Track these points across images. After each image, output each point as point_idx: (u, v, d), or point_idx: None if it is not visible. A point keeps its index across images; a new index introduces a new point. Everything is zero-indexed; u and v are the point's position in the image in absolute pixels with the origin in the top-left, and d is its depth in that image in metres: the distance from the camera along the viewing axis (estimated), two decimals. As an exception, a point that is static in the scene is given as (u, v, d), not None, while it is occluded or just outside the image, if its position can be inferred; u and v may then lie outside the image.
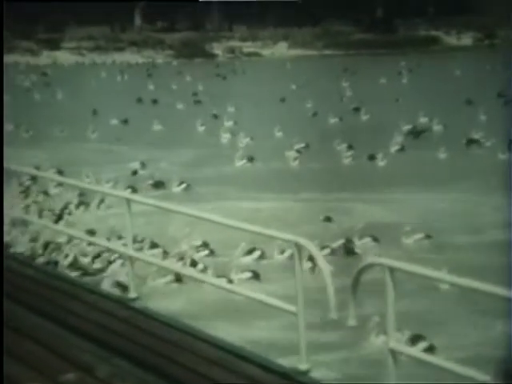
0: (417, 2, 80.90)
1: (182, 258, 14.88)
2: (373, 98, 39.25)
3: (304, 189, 21.43)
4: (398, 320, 5.19)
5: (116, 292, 10.80)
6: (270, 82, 52.46)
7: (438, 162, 25.01)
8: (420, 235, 16.45)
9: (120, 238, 13.82)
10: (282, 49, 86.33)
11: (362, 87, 44.60)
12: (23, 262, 9.09)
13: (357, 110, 36.60)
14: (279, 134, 30.56)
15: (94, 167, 23.22)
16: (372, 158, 25.39)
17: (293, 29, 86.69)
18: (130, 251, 7.95)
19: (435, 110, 32.89)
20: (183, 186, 22.02)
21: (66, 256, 14.40)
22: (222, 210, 17.66)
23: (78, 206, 18.89)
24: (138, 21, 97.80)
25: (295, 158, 25.82)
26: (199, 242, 15.79)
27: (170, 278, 13.76)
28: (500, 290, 4.51)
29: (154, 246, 15.41)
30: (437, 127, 31.21)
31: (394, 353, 5.18)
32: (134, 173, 23.77)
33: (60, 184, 19.40)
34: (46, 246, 15.07)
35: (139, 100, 43.73)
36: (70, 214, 18.43)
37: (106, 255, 14.71)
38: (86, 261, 14.78)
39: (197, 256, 15.16)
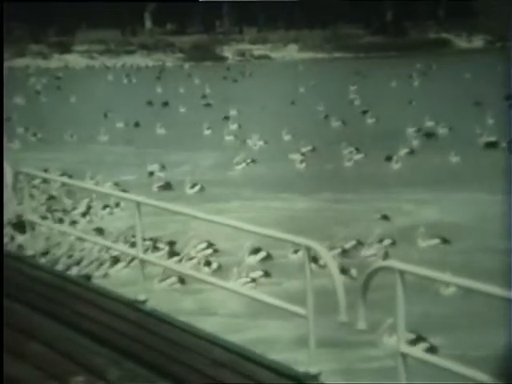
0: (427, 4, 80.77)
1: (190, 259, 14.91)
2: (383, 100, 39.21)
3: (319, 190, 21.42)
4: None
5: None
6: (280, 84, 52.49)
7: (451, 164, 24.95)
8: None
9: (127, 241, 13.83)
10: (292, 51, 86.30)
11: (372, 90, 44.57)
12: (32, 264, 9.10)
13: (365, 112, 36.58)
14: (287, 137, 30.52)
15: (106, 169, 23.26)
16: (388, 159, 25.33)
17: (303, 31, 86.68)
18: (140, 254, 7.95)
19: (446, 113, 32.84)
20: (197, 187, 22.05)
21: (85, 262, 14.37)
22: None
23: (86, 211, 18.89)
24: (148, 24, 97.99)
25: (301, 161, 25.83)
26: (207, 245, 15.80)
27: (174, 279, 13.77)
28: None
29: (172, 253, 15.41)
30: (443, 130, 31.14)
31: (404, 356, 5.16)
32: (151, 174, 23.72)
33: (64, 185, 19.45)
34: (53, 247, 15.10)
35: (149, 103, 43.82)
36: (84, 216, 18.47)
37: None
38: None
39: (209, 258, 15.14)
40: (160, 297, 12.26)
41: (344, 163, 25.94)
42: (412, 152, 27.17)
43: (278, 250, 15.34)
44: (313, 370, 5.89)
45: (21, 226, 15.42)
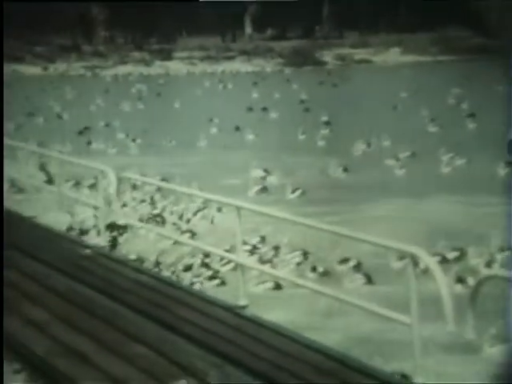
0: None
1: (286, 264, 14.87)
2: (490, 105, 38.32)
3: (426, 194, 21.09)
4: None
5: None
6: (382, 89, 52.01)
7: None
8: None
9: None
10: (394, 55, 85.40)
11: (478, 94, 43.65)
12: (134, 268, 9.23)
13: (469, 116, 35.85)
14: (387, 143, 30.13)
15: (206, 177, 23.41)
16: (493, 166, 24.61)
17: (406, 34, 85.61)
18: (241, 259, 7.96)
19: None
20: (298, 192, 22.03)
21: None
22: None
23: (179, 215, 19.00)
24: (248, 30, 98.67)
25: (401, 167, 25.46)
26: (303, 252, 15.71)
27: (271, 284, 13.71)
28: None
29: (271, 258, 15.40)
30: None
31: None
32: (255, 180, 23.72)
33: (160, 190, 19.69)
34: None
35: (250, 109, 44.10)
36: (182, 221, 18.62)
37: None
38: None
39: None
40: (257, 301, 12.27)
41: (443, 168, 25.45)
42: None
43: (377, 259, 15.08)
44: (418, 380, 5.76)
45: (118, 228, 15.69)
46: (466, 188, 21.91)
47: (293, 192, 22.04)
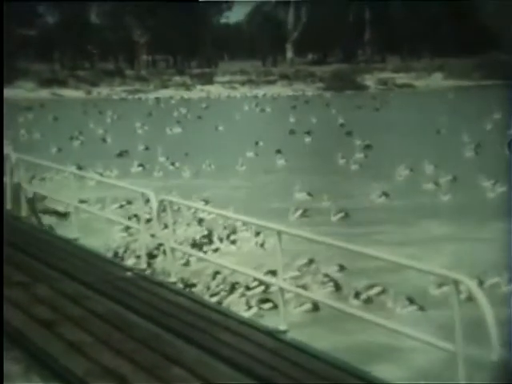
0: None
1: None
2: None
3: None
4: None
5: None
6: (425, 113, 51.75)
7: None
8: None
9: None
10: (436, 80, 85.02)
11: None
12: (174, 290, 9.21)
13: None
14: (429, 168, 29.89)
15: (246, 201, 23.39)
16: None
17: (448, 59, 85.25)
18: (281, 283, 7.90)
19: None
20: (340, 215, 21.99)
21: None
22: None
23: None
24: (289, 54, 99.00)
25: (445, 193, 25.20)
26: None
27: (308, 306, 13.62)
28: None
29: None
30: None
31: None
32: (298, 204, 23.64)
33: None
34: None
35: (291, 132, 44.18)
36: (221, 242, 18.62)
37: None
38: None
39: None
40: (297, 322, 12.18)
41: (486, 194, 25.15)
42: None
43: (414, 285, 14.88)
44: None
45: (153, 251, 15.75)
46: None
47: (335, 215, 22.01)
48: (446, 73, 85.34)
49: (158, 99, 78.79)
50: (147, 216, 10.86)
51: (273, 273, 9.56)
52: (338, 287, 15.02)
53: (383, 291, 14.57)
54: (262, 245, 18.22)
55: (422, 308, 13.99)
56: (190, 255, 14.93)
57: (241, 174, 31.07)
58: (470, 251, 17.34)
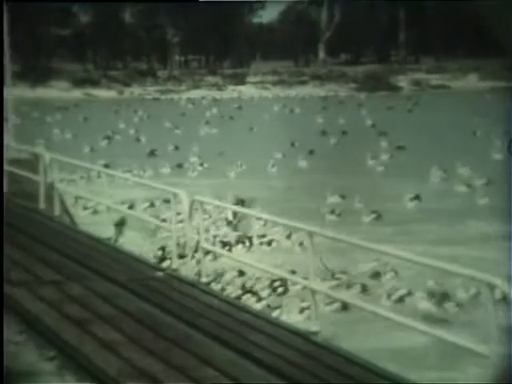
0: None
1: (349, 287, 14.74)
2: None
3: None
4: None
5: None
6: (460, 115, 51.36)
7: None
8: None
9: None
10: (472, 81, 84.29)
11: None
12: (205, 291, 9.21)
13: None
14: (463, 170, 29.64)
15: (278, 201, 23.34)
16: None
17: (484, 60, 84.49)
18: (312, 284, 7.87)
19: None
20: (373, 215, 21.93)
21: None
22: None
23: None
24: (321, 54, 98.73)
25: (483, 196, 24.98)
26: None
27: (337, 305, 13.54)
28: None
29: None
30: None
31: None
32: (330, 205, 23.55)
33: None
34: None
35: (324, 133, 44.11)
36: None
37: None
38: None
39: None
40: (328, 322, 12.09)
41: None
42: None
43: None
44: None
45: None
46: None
47: (368, 216, 21.95)
48: (482, 74, 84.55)
49: (190, 99, 79.01)
50: (179, 217, 10.86)
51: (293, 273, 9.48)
52: (366, 288, 14.94)
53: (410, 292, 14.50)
54: (297, 245, 18.18)
55: (457, 307, 13.89)
56: (221, 255, 14.91)
57: (272, 175, 31.06)
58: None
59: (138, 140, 42.52)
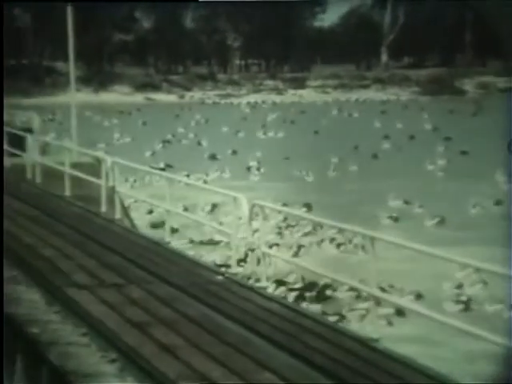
0: None
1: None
2: None
3: None
4: None
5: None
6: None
7: None
8: None
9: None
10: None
11: None
12: (265, 296, 9.20)
13: None
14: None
15: (339, 207, 23.23)
16: None
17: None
18: (375, 291, 7.81)
19: None
20: (436, 220, 21.75)
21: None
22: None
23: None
24: (384, 57, 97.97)
25: None
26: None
27: (389, 310, 13.39)
28: None
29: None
30: None
31: None
32: (393, 210, 23.33)
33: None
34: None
35: (386, 136, 43.85)
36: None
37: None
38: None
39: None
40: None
41: None
42: None
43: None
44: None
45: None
46: None
47: (431, 220, 21.78)
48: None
49: (250, 103, 79.22)
50: (239, 221, 10.88)
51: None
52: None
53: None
54: (359, 249, 18.06)
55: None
56: (282, 259, 14.88)
57: (333, 179, 30.98)
58: None
59: (199, 144, 42.77)
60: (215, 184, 23.55)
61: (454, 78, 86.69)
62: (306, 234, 19.63)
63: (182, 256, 11.24)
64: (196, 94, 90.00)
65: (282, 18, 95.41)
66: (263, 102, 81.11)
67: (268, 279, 10.12)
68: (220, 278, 9.84)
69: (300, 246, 18.57)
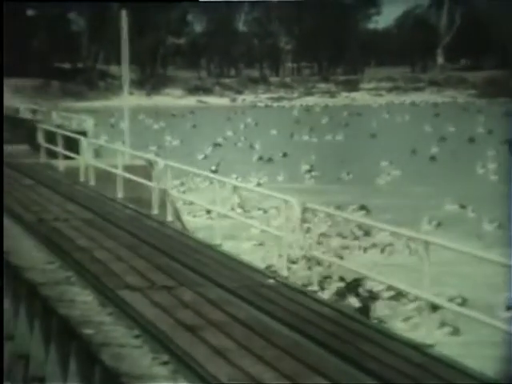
0: None
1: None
2: None
3: None
4: None
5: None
6: None
7: None
8: None
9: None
10: None
11: None
12: (316, 299, 9.14)
13: None
14: None
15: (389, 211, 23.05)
16: None
17: None
18: (426, 295, 7.70)
19: None
20: (495, 224, 21.52)
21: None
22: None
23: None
24: (440, 59, 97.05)
25: None
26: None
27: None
28: None
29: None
30: None
31: None
32: (448, 214, 23.12)
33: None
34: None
35: (442, 139, 43.55)
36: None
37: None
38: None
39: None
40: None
41: None
42: None
43: None
44: None
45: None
46: None
47: (489, 223, 21.53)
48: None
49: (302, 106, 79.14)
50: (291, 224, 10.85)
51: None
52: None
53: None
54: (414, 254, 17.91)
55: None
56: (334, 263, 14.80)
57: (389, 182, 30.79)
58: None
59: (251, 147, 42.86)
60: (267, 187, 23.54)
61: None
62: (355, 238, 19.52)
63: (232, 258, 11.24)
64: (248, 97, 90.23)
65: (335, 20, 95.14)
66: (315, 104, 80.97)
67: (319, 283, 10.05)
68: (271, 281, 9.81)
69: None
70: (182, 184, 26.98)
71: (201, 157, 37.37)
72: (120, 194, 15.82)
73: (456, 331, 13.27)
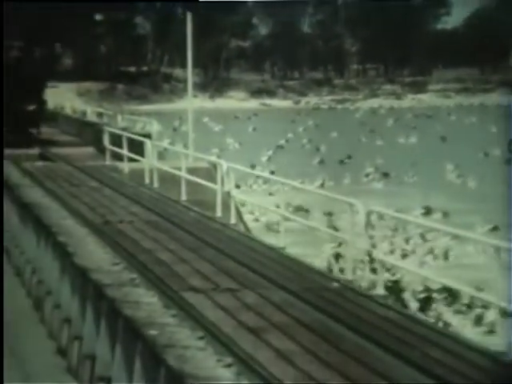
0: None
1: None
2: None
3: None
4: None
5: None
6: None
7: None
8: None
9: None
10: None
11: None
12: (382, 303, 9.02)
13: None
14: None
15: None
16: None
17: None
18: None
19: None
20: None
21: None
22: None
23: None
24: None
25: None
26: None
27: None
28: None
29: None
30: None
31: None
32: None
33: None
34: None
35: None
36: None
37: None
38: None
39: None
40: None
41: None
42: None
43: None
44: None
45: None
46: None
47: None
48: None
49: (366, 109, 78.70)
50: (356, 227, 10.73)
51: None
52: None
53: None
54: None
55: None
56: (400, 268, 14.63)
57: (445, 189, 30.45)
58: None
59: (317, 149, 42.77)
60: (332, 190, 23.43)
61: None
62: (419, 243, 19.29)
63: (296, 261, 11.17)
64: (312, 100, 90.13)
65: (402, 20, 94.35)
66: (380, 106, 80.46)
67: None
68: (335, 284, 9.72)
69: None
70: (238, 187, 27.03)
71: (264, 158, 37.41)
72: (183, 197, 15.89)
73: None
